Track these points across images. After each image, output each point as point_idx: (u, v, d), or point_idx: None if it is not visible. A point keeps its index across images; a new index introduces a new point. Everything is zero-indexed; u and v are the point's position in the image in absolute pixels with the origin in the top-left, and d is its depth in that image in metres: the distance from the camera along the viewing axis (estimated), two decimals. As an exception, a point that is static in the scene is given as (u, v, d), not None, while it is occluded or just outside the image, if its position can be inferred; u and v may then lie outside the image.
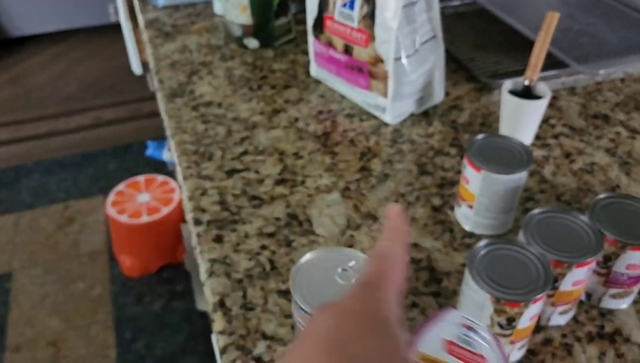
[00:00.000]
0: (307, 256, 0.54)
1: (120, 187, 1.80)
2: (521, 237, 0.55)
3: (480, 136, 0.65)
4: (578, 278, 0.53)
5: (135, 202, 1.75)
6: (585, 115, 0.86)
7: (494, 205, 0.63)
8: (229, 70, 0.98)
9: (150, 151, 1.96)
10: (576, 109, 0.88)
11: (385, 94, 0.82)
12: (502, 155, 0.63)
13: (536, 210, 0.56)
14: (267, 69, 0.98)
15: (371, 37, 0.79)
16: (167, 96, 0.92)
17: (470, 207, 0.65)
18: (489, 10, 1.11)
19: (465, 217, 0.67)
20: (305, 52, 1.03)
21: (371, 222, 0.68)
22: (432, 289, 0.60)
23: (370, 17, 0.78)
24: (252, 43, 1.03)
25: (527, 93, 0.78)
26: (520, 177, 0.62)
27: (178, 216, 1.74)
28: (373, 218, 0.69)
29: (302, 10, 1.17)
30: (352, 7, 0.80)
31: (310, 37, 0.91)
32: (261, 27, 1.01)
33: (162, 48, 1.05)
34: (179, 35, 1.10)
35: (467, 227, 0.67)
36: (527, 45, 1.00)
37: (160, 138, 2.30)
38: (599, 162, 0.77)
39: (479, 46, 1.02)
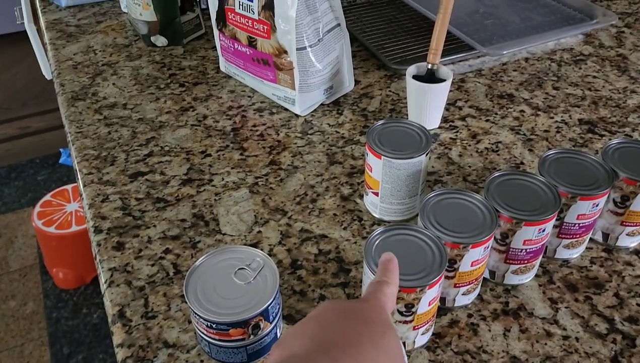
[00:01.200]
0: (202, 258, 0.52)
1: (47, 197, 1.72)
2: (419, 221, 0.55)
3: (379, 122, 0.65)
4: (476, 258, 0.53)
5: (64, 211, 1.68)
6: (491, 96, 0.88)
7: (398, 190, 0.63)
8: (136, 70, 0.95)
9: (64, 159, 1.88)
10: (482, 90, 0.89)
11: (292, 86, 0.81)
12: (402, 141, 0.63)
13: (432, 193, 0.56)
14: (176, 67, 0.95)
15: (272, 28, 0.77)
16: (68, 100, 0.87)
17: (376, 194, 0.65)
18: (400, -4, 1.11)
19: (373, 204, 0.66)
20: (215, 48, 1.00)
21: (279, 216, 0.67)
22: (339, 280, 0.60)
23: (269, 7, 0.76)
24: (160, 40, 1.00)
25: (431, 77, 0.79)
26: (420, 160, 0.62)
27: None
28: (281, 212, 0.68)
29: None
30: (251, -2, 0.78)
31: (216, 32, 0.88)
32: (167, 24, 0.98)
33: (64, 50, 1.00)
34: (82, 35, 1.05)
35: (376, 215, 0.67)
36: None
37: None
38: (504, 141, 0.79)
39: (389, 33, 1.02)
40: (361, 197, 0.70)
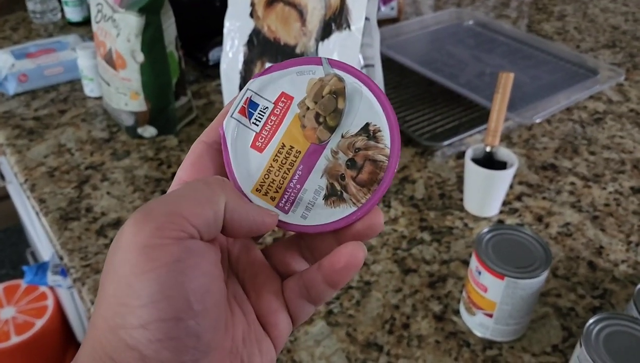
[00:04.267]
0: None
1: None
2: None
3: (485, 230, 0.57)
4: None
5: (-2, 319, 1.43)
6: (534, 168, 0.82)
7: (518, 311, 0.55)
8: (129, 171, 0.80)
9: (29, 278, 1.60)
10: (523, 162, 0.84)
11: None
12: (519, 253, 0.55)
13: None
14: (177, 162, 0.82)
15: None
16: (57, 221, 0.71)
17: (490, 315, 0.56)
18: (395, 59, 1.05)
19: (483, 326, 0.57)
20: (214, 133, 0.88)
21: (375, 353, 0.56)
22: None
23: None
24: (149, 131, 0.85)
25: (489, 159, 0.72)
26: (544, 277, 0.54)
27: (57, 327, 1.45)
28: (375, 347, 0.57)
29: (195, 81, 1.02)
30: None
31: (230, 123, 0.76)
32: (159, 112, 0.84)
33: (29, 152, 0.83)
34: (47, 131, 0.88)
35: (486, 336, 0.58)
36: (447, 95, 0.96)
37: (15, 229, 1.94)
38: (572, 221, 0.73)
39: (404, 103, 0.94)
40: (455, 313, 0.60)
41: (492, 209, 0.73)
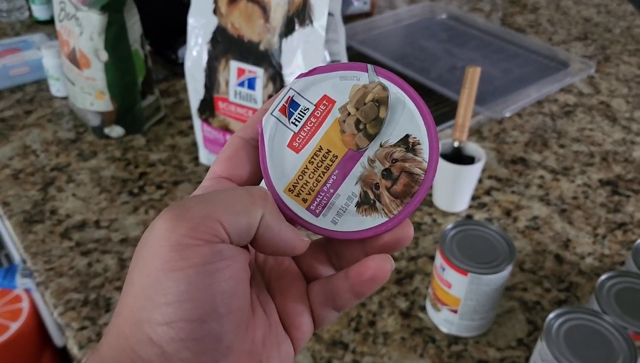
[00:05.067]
0: None
1: (-55, 308, 1.43)
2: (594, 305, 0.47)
3: (449, 227, 0.57)
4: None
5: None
6: (504, 162, 0.83)
7: (482, 306, 0.55)
8: (96, 173, 0.78)
9: None
10: (493, 156, 0.84)
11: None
12: (482, 249, 0.55)
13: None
14: (144, 163, 0.80)
15: (283, 120, 0.66)
16: (21, 224, 0.70)
17: (455, 311, 0.56)
18: (366, 54, 1.04)
19: (448, 322, 0.57)
20: (183, 132, 0.87)
21: (341, 351, 0.56)
22: None
23: (279, 97, 0.65)
24: (116, 131, 0.84)
25: (457, 154, 0.72)
26: (508, 271, 0.54)
27: (33, 329, 1.43)
28: (341, 345, 0.56)
29: (164, 79, 1.00)
30: (252, 86, 0.67)
31: (197, 121, 0.75)
32: (126, 112, 0.83)
33: (-5, 154, 0.81)
34: (12, 132, 0.86)
35: (451, 332, 0.58)
36: (420, 91, 0.95)
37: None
38: (540, 215, 0.73)
39: (375, 98, 0.94)
40: (422, 309, 0.60)
41: (461, 204, 0.73)
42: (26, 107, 0.92)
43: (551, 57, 1.06)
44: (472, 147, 0.72)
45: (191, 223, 0.23)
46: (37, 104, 0.93)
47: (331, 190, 0.28)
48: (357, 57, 1.06)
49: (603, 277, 0.53)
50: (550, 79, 0.99)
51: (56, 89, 0.94)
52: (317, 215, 0.28)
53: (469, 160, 0.71)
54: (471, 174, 0.70)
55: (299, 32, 0.63)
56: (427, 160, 0.27)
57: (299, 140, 0.28)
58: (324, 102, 0.28)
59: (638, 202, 0.76)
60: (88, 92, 0.80)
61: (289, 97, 0.28)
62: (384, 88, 0.28)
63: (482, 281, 0.53)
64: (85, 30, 0.76)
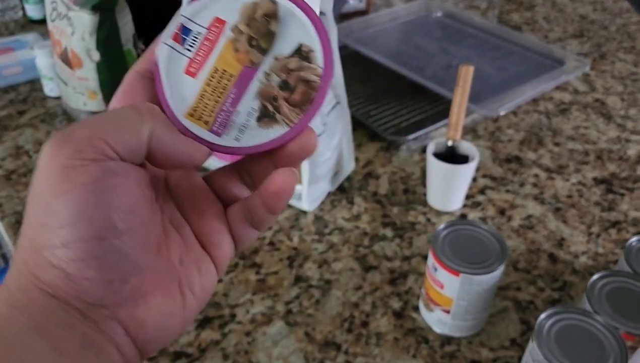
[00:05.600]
0: None
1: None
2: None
3: (441, 227, 0.56)
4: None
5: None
6: (499, 161, 0.82)
7: (475, 306, 0.55)
8: (89, 173, 0.78)
9: None
10: (488, 155, 0.83)
11: (298, 180, 0.70)
12: (474, 249, 0.54)
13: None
14: (137, 162, 0.80)
15: (275, 120, 0.66)
16: (13, 225, 0.69)
17: (447, 312, 0.56)
18: (361, 52, 1.04)
19: (441, 322, 0.57)
20: (177, 132, 0.86)
21: (333, 352, 0.56)
22: None
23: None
24: (109, 131, 0.84)
25: (451, 153, 0.71)
26: (500, 272, 0.54)
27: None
28: (333, 346, 0.56)
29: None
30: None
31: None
32: (118, 112, 0.82)
33: (-13, 155, 0.81)
34: (5, 133, 0.86)
35: (444, 332, 0.57)
36: (413, 88, 0.95)
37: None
38: (534, 214, 0.73)
39: (371, 98, 0.94)
40: (415, 309, 0.60)
41: (455, 203, 0.73)
42: (19, 107, 0.92)
43: (547, 54, 1.05)
44: (466, 146, 0.71)
45: (75, 145, 0.23)
46: (30, 104, 0.93)
47: (231, 109, 0.28)
48: (352, 55, 1.05)
49: (594, 277, 0.52)
50: (545, 76, 0.98)
51: (49, 88, 0.94)
52: (219, 135, 0.28)
53: (463, 159, 0.71)
54: (465, 173, 0.70)
55: (291, 31, 0.63)
56: (322, 66, 0.28)
57: (194, 65, 0.28)
58: (216, 24, 0.28)
59: (632, 201, 0.76)
60: (81, 92, 0.80)
61: (180, 23, 0.28)
62: (273, 2, 0.28)
63: (474, 281, 0.52)
64: (77, 30, 0.76)
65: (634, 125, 0.91)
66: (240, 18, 0.28)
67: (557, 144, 0.86)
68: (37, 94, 0.96)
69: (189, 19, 0.28)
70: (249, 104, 0.28)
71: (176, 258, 0.27)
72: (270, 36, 0.28)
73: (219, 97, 0.28)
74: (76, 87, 0.80)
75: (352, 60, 1.04)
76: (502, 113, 0.89)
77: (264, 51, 0.28)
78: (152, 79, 0.28)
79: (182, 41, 0.28)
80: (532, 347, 0.47)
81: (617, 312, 0.50)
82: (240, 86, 0.28)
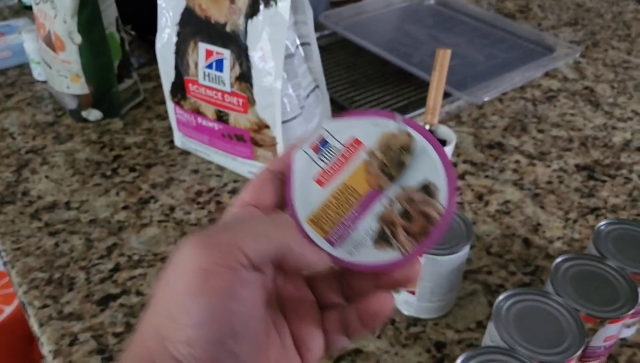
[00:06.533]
0: None
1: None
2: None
3: (408, 209, 0.56)
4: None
5: (-34, 307, 1.42)
6: (480, 147, 0.82)
7: (440, 287, 0.55)
8: (70, 155, 0.79)
9: None
10: (470, 141, 0.83)
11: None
12: (439, 230, 0.54)
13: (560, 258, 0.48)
14: (120, 146, 0.81)
15: (250, 101, 0.66)
16: (-7, 205, 0.70)
17: (413, 293, 0.56)
18: (350, 39, 1.04)
19: (407, 303, 0.57)
20: (161, 116, 0.87)
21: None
22: (396, 411, 0.50)
23: (245, 78, 0.65)
24: (93, 114, 0.85)
25: (428, 138, 0.71)
26: (466, 252, 0.54)
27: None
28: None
29: (146, 63, 1.00)
30: (220, 67, 0.67)
31: (170, 104, 0.75)
32: (102, 95, 0.83)
33: (-28, 137, 0.82)
34: (-8, 115, 0.87)
35: (411, 314, 0.58)
36: (400, 75, 0.95)
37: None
38: (512, 199, 0.73)
39: (355, 83, 0.93)
40: (384, 291, 0.60)
41: (433, 188, 0.72)
42: (7, 91, 0.93)
43: (538, 42, 1.04)
44: (444, 131, 0.71)
45: (217, 252, 0.25)
46: (18, 87, 0.94)
47: (350, 224, 0.30)
48: (340, 42, 1.05)
49: (559, 259, 0.52)
50: (534, 63, 0.98)
51: (37, 72, 0.94)
52: (333, 245, 0.30)
53: (441, 143, 0.71)
54: (441, 157, 0.69)
55: (264, 13, 0.63)
56: (445, 206, 0.29)
57: (325, 176, 0.30)
58: (353, 143, 0.30)
59: (613, 187, 0.75)
60: (64, 75, 0.80)
61: (321, 136, 0.31)
62: (410, 136, 0.30)
63: (437, 262, 0.52)
64: (59, 12, 0.76)
65: (621, 113, 0.90)
66: (377, 144, 0.30)
67: (541, 131, 0.86)
68: (25, 78, 0.96)
69: (330, 133, 0.31)
70: (369, 224, 0.30)
71: (273, 358, 0.29)
72: (401, 166, 0.30)
73: (342, 211, 0.30)
74: (60, 70, 0.81)
75: (340, 46, 1.04)
76: (486, 99, 0.89)
77: (393, 179, 0.30)
78: (282, 180, 0.30)
79: (318, 151, 0.30)
80: (490, 327, 0.47)
81: (579, 294, 0.49)
82: (364, 206, 0.30)
